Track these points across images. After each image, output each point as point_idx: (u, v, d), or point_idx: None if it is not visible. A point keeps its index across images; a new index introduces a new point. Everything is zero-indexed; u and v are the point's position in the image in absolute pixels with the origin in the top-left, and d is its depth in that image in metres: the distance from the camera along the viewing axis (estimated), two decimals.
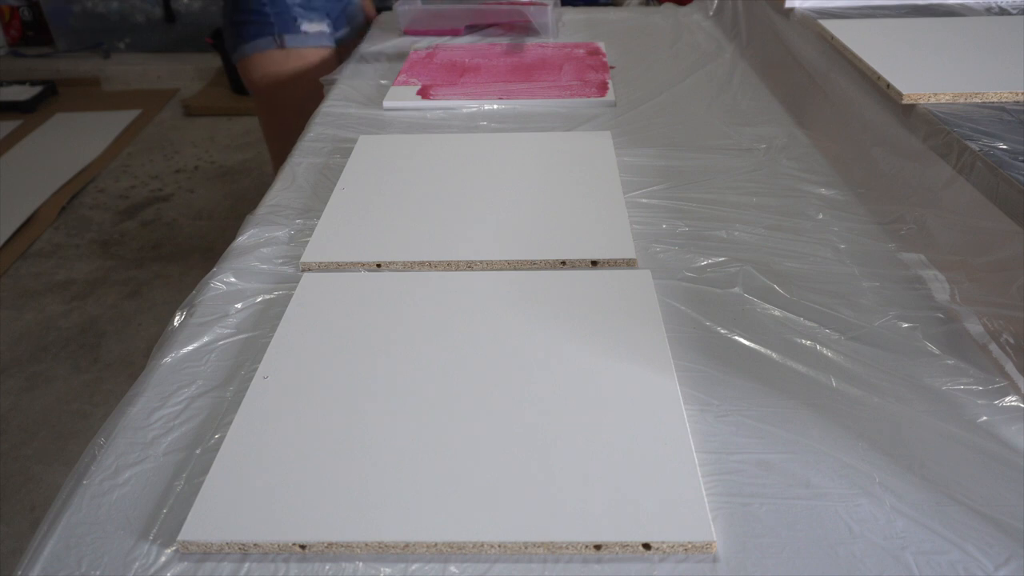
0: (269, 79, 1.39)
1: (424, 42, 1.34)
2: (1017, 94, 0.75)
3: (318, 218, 0.77)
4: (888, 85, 0.79)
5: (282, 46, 1.36)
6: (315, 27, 1.38)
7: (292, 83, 1.39)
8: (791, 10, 1.10)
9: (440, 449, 0.50)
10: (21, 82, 3.11)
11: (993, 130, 0.69)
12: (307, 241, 0.74)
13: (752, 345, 0.60)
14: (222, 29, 1.46)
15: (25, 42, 3.52)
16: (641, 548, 0.44)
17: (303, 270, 0.70)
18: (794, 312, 0.63)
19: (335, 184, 0.84)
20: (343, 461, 0.49)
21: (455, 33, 1.38)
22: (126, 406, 0.56)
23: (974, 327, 0.60)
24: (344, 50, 1.44)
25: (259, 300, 0.67)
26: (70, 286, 1.98)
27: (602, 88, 1.10)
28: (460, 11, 1.39)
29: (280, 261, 0.72)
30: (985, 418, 0.52)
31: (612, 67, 1.20)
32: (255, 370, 0.57)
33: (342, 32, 1.48)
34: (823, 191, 0.81)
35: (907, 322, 0.62)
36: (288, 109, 1.39)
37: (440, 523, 0.45)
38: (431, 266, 0.70)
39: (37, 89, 3.05)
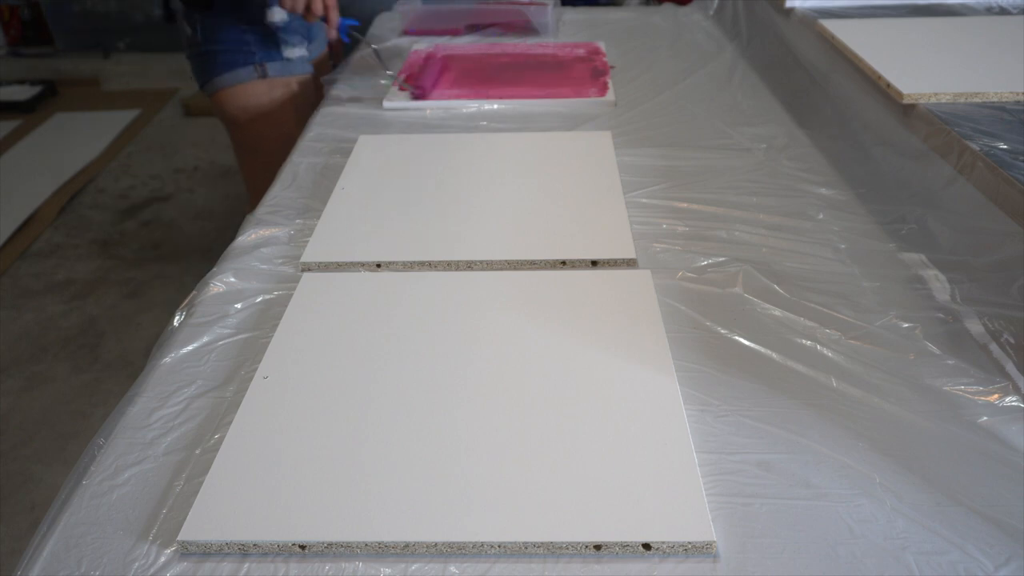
0: (249, 113, 1.24)
1: (424, 42, 1.34)
2: (1017, 94, 0.75)
3: (318, 218, 0.77)
4: (888, 85, 0.79)
5: (264, 76, 1.21)
6: (297, 52, 1.24)
7: (273, 115, 1.24)
8: (791, 10, 1.10)
9: (440, 449, 0.50)
10: (21, 82, 3.11)
11: (993, 130, 0.69)
12: (307, 241, 0.74)
13: (752, 345, 0.60)
14: (188, 58, 1.26)
15: (25, 42, 3.52)
16: (641, 548, 0.44)
17: (303, 270, 0.70)
18: (794, 312, 0.63)
19: (335, 184, 0.84)
20: (343, 461, 0.49)
21: (455, 33, 1.38)
22: (126, 406, 0.56)
23: (974, 327, 0.60)
24: (317, 74, 1.29)
25: (259, 300, 0.67)
26: (70, 286, 1.98)
27: (602, 88, 1.10)
28: (460, 11, 1.39)
29: (280, 261, 0.72)
30: (985, 418, 0.52)
31: (612, 67, 1.20)
32: (255, 370, 0.57)
33: (316, 54, 1.33)
34: (823, 191, 0.81)
35: (907, 322, 0.62)
36: (269, 143, 1.22)
37: (440, 523, 0.45)
38: (431, 266, 0.70)
39: (37, 89, 3.05)
